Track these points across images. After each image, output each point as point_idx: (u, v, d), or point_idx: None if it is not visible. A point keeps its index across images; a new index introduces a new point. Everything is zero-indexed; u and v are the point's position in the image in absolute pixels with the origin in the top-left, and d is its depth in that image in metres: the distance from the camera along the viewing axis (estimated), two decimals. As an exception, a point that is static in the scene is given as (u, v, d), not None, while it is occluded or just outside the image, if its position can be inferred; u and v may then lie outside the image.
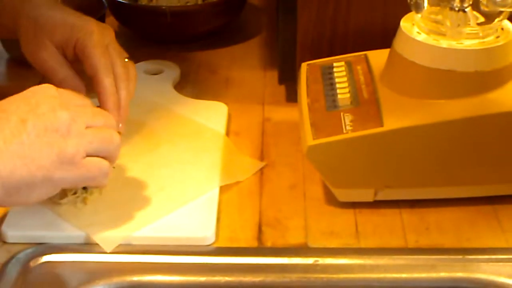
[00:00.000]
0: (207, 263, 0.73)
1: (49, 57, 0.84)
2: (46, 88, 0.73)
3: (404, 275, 0.72)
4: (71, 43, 0.83)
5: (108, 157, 0.74)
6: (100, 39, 0.83)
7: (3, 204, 0.71)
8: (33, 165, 0.69)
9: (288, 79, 0.97)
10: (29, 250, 0.74)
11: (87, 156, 0.72)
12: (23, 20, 0.85)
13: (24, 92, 0.72)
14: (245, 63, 1.09)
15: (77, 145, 0.70)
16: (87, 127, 0.72)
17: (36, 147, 0.69)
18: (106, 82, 0.81)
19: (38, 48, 0.84)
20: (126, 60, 0.86)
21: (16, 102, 0.71)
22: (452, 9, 0.78)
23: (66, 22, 0.84)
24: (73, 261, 0.74)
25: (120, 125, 0.81)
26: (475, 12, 0.79)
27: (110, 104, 0.81)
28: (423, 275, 0.72)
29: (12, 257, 0.74)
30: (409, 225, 0.78)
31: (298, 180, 0.84)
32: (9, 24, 0.87)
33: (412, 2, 0.81)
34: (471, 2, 0.78)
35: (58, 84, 0.82)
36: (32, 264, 0.73)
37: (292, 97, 0.98)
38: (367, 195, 0.80)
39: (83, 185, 0.76)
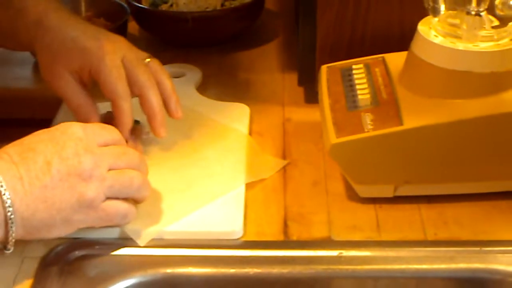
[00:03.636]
0: (236, 256, 0.77)
1: (65, 86, 0.86)
2: (73, 128, 0.74)
3: (424, 266, 0.75)
4: (86, 68, 0.85)
5: (130, 199, 0.76)
6: (113, 59, 0.84)
7: (22, 238, 0.73)
8: (54, 209, 0.71)
9: (308, 81, 1.01)
10: (66, 245, 0.77)
11: (108, 199, 0.74)
12: (38, 45, 0.87)
13: (53, 129, 0.75)
14: (263, 65, 1.12)
15: (97, 189, 0.72)
16: (109, 169, 0.74)
17: (58, 191, 0.71)
18: (124, 106, 0.84)
19: (54, 77, 0.86)
20: (148, 60, 0.87)
21: (44, 141, 0.73)
22: (468, 13, 0.82)
23: (77, 46, 0.85)
24: (108, 255, 0.77)
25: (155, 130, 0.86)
26: (490, 16, 0.82)
27: (125, 129, 0.84)
28: (443, 266, 0.75)
29: (50, 251, 0.77)
30: (427, 219, 0.81)
31: (320, 177, 0.88)
32: (28, 44, 0.89)
33: (429, 7, 0.84)
34: (486, 7, 0.82)
35: (72, 110, 0.86)
36: (69, 257, 0.76)
37: (311, 98, 1.01)
38: (387, 191, 0.83)
39: (103, 226, 0.76)
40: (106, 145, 0.76)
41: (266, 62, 1.13)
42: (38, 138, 0.74)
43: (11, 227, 0.70)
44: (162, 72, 0.88)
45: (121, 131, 0.81)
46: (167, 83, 0.87)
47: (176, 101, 0.87)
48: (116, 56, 0.85)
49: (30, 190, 0.70)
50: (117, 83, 0.84)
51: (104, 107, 0.89)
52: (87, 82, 0.87)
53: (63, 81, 0.86)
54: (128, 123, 0.85)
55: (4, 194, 0.69)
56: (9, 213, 0.70)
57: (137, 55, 0.87)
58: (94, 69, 0.84)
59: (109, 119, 0.87)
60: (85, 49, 0.85)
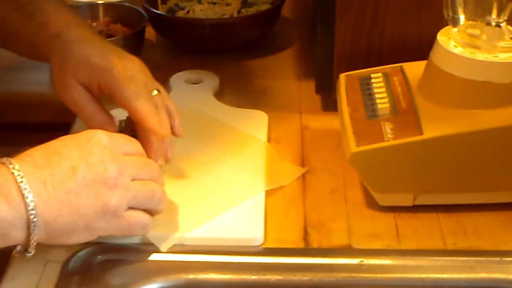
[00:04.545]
0: (257, 263, 0.77)
1: (75, 95, 0.85)
2: (100, 135, 0.74)
3: (445, 276, 0.76)
4: (95, 82, 0.84)
5: (150, 210, 0.77)
6: (122, 73, 0.83)
7: (44, 243, 0.73)
8: (77, 214, 0.71)
9: (325, 89, 1.01)
10: (88, 249, 0.78)
11: (130, 208, 0.74)
12: (54, 56, 0.86)
13: (79, 135, 0.74)
14: (279, 73, 1.13)
15: (121, 198, 0.73)
16: (132, 180, 0.74)
17: (82, 197, 0.71)
18: (139, 105, 0.81)
19: (65, 87, 0.85)
20: (156, 92, 0.85)
21: (70, 146, 0.73)
22: (488, 24, 0.82)
23: (88, 62, 0.84)
24: (130, 260, 0.77)
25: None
26: (509, 27, 0.83)
27: (150, 125, 0.81)
28: (463, 275, 0.76)
29: (72, 256, 0.77)
30: (446, 229, 0.81)
31: (338, 185, 0.88)
32: (46, 56, 0.88)
33: (449, 17, 0.85)
34: (506, 18, 0.82)
35: (86, 119, 0.85)
36: (91, 262, 0.77)
37: (328, 106, 1.02)
38: (406, 200, 0.83)
39: (122, 235, 0.77)
40: (129, 155, 0.76)
41: (282, 69, 1.14)
42: (64, 143, 0.74)
43: (33, 230, 0.70)
44: (166, 107, 0.86)
45: (149, 130, 0.81)
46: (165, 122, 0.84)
47: (168, 147, 0.85)
48: (125, 72, 0.84)
49: (54, 194, 0.70)
50: (127, 87, 0.82)
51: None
52: (97, 95, 0.86)
53: (74, 91, 0.85)
54: (151, 121, 0.82)
55: (27, 197, 0.69)
56: (31, 216, 0.70)
57: (147, 83, 0.85)
58: (103, 82, 0.83)
59: (125, 129, 0.87)
60: (95, 65, 0.84)
